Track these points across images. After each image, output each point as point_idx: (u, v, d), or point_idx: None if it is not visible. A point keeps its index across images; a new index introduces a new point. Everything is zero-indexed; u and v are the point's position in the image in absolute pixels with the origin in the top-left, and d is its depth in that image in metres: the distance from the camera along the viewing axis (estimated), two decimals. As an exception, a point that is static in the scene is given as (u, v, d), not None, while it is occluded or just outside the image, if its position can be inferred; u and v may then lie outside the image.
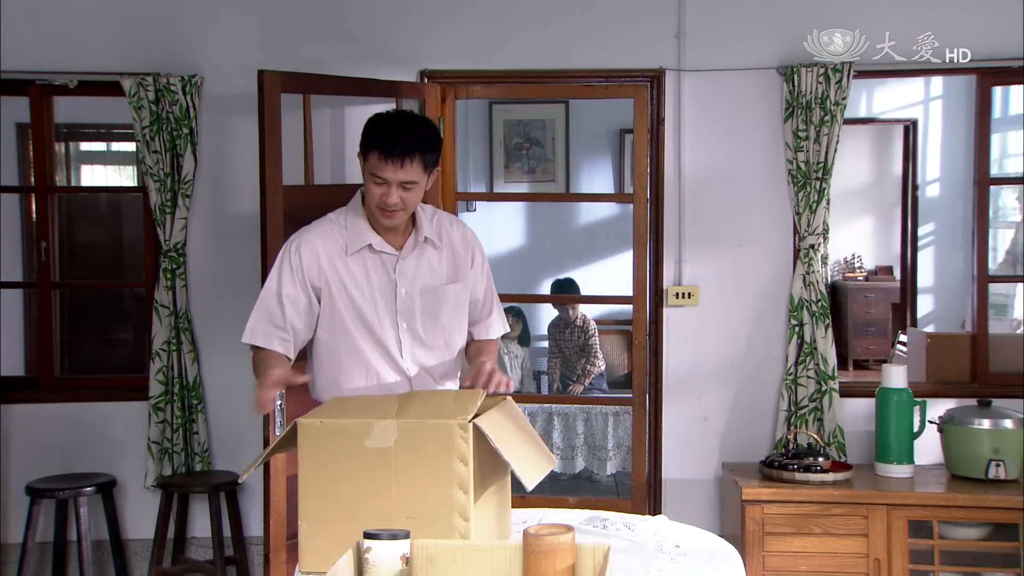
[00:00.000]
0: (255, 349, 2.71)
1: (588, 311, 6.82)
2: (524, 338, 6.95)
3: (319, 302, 2.71)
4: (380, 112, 2.77)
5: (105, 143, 7.32)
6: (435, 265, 2.78)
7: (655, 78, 4.45)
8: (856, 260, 8.40)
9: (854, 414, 4.43)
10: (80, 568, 4.23)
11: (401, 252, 2.74)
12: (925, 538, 3.98)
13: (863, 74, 4.39)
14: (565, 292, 6.65)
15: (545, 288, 7.27)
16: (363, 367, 2.72)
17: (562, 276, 6.97)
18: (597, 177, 7.81)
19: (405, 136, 2.63)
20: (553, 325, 6.81)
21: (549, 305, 7.42)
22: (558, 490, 6.02)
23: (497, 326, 2.94)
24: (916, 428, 4.18)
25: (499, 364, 3.17)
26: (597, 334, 6.70)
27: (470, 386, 2.60)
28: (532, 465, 2.26)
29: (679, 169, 4.45)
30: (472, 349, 2.90)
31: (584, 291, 6.88)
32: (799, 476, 4.05)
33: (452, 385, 2.86)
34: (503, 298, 3.07)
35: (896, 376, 4.19)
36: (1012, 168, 6.22)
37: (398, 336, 2.73)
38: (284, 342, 2.68)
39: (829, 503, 3.98)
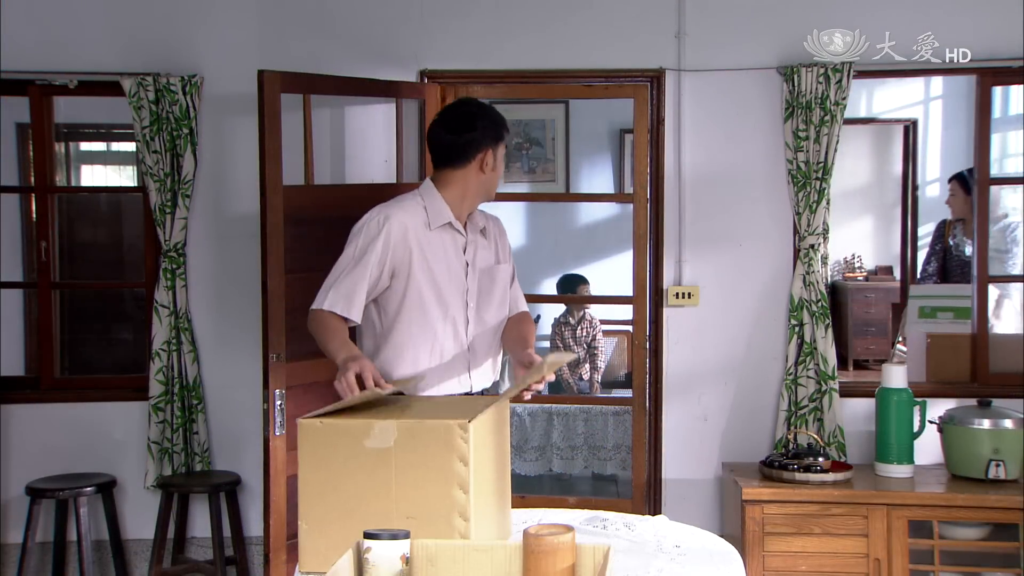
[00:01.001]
0: (319, 313, 2.75)
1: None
2: None
3: (391, 278, 2.80)
4: (477, 107, 2.94)
5: (105, 143, 7.31)
6: (486, 249, 2.97)
7: (655, 78, 4.45)
8: (856, 260, 8.39)
9: (854, 414, 4.43)
10: (80, 568, 4.24)
11: (467, 235, 2.91)
12: (925, 538, 3.98)
13: (863, 74, 4.38)
14: (573, 287, 6.64)
15: (544, 289, 7.27)
16: (430, 340, 2.83)
17: (571, 272, 6.95)
18: (597, 177, 7.79)
19: None
20: (560, 323, 6.74)
21: (548, 305, 7.41)
22: (558, 490, 6.02)
23: (522, 299, 3.11)
24: (916, 428, 4.18)
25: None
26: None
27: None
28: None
29: (679, 169, 4.45)
30: (510, 325, 3.02)
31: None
32: (799, 476, 4.05)
33: (496, 359, 3.02)
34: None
35: (896, 376, 4.18)
36: (1011, 168, 6.21)
37: (466, 314, 2.88)
38: (358, 310, 2.75)
39: (829, 503, 3.98)
